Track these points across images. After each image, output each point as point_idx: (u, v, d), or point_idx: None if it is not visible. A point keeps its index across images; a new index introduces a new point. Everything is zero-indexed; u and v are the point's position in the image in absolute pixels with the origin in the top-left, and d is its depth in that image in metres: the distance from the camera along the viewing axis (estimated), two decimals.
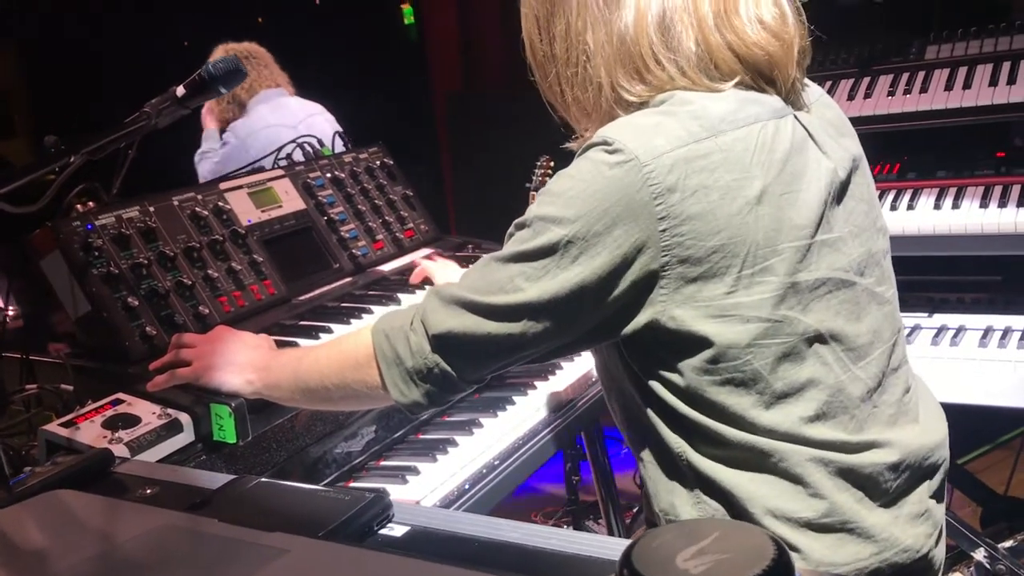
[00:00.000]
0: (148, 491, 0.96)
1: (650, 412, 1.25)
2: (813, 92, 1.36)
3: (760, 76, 1.23)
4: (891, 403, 1.29)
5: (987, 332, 2.24)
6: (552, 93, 1.33)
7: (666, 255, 1.14)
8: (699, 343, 1.17)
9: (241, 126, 3.65)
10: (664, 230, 1.13)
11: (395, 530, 0.85)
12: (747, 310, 1.16)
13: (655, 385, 1.23)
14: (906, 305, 2.40)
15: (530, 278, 1.18)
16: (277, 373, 1.52)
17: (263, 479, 0.94)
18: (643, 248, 1.14)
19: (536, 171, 3.95)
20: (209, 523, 0.79)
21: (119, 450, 1.45)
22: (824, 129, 1.29)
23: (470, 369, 1.26)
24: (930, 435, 1.34)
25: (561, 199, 1.17)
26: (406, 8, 8.14)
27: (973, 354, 2.18)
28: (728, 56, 1.20)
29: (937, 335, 2.29)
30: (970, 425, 2.25)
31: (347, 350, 1.38)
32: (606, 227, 1.14)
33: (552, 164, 3.85)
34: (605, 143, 1.15)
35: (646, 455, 1.30)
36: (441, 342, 1.24)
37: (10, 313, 2.23)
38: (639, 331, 1.19)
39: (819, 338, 1.20)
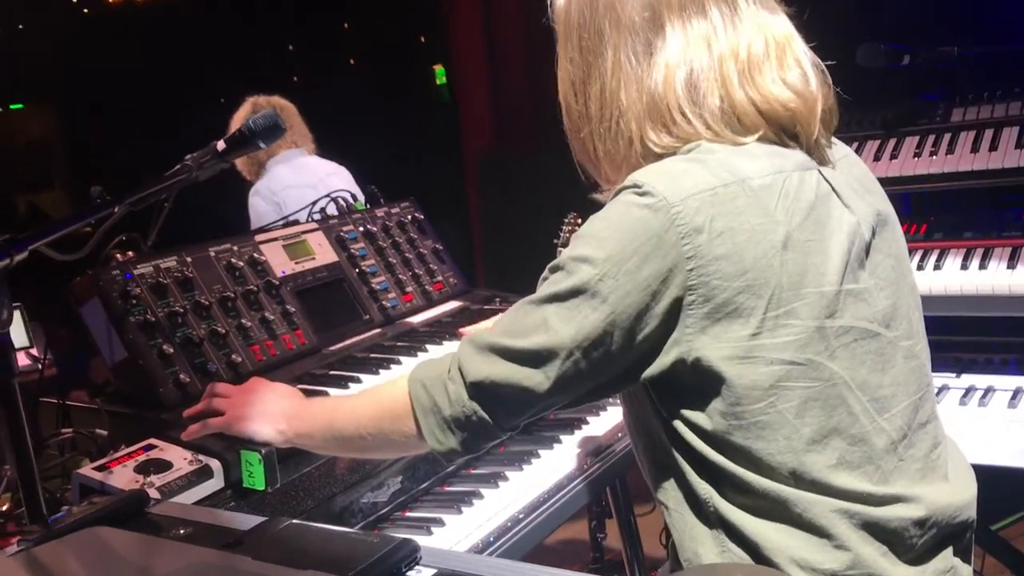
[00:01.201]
0: (182, 531, 0.98)
1: (678, 457, 1.27)
2: (840, 150, 1.40)
3: (783, 131, 1.28)
4: (918, 458, 1.30)
5: (1016, 393, 2.23)
6: (584, 150, 1.38)
7: (693, 294, 1.17)
8: (724, 384, 1.19)
9: (263, 187, 3.75)
10: (691, 269, 1.17)
11: (422, 573, 0.86)
12: (771, 352, 1.18)
13: (682, 429, 1.25)
14: (934, 365, 2.40)
15: (563, 318, 1.21)
16: (309, 423, 1.55)
17: (294, 521, 0.96)
18: (671, 286, 1.18)
19: (564, 227, 4.00)
20: (243, 560, 0.81)
21: (150, 494, 1.48)
22: (849, 185, 1.33)
23: (506, 415, 1.29)
24: (959, 494, 1.34)
25: (594, 240, 1.21)
26: (438, 69, 8.32)
27: (1002, 415, 2.17)
28: (752, 111, 1.25)
29: (965, 395, 2.29)
30: (1004, 490, 2.22)
31: (384, 401, 1.41)
32: (636, 266, 1.17)
33: (579, 221, 3.90)
34: (636, 186, 1.20)
35: (673, 502, 1.31)
36: (479, 389, 1.27)
37: (34, 353, 2.28)
38: (667, 371, 1.22)
39: (845, 385, 1.22)
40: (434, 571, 0.86)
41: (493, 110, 5.89)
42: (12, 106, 10.33)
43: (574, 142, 1.40)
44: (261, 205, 3.74)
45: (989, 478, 1.95)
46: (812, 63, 1.31)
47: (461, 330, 2.08)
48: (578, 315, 1.20)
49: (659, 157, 1.27)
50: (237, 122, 3.93)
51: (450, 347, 2.05)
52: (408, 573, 0.87)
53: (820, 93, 1.29)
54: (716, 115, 1.25)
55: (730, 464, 1.22)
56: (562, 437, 2.03)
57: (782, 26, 1.32)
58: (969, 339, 2.46)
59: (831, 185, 1.29)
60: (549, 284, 1.25)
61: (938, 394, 2.30)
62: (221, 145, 1.74)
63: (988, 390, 2.29)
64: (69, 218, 1.31)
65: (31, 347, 2.26)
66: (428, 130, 7.16)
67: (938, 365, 2.41)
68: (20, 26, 9.36)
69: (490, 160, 5.78)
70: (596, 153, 1.35)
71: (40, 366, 1.93)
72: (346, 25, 9.70)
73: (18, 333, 4.07)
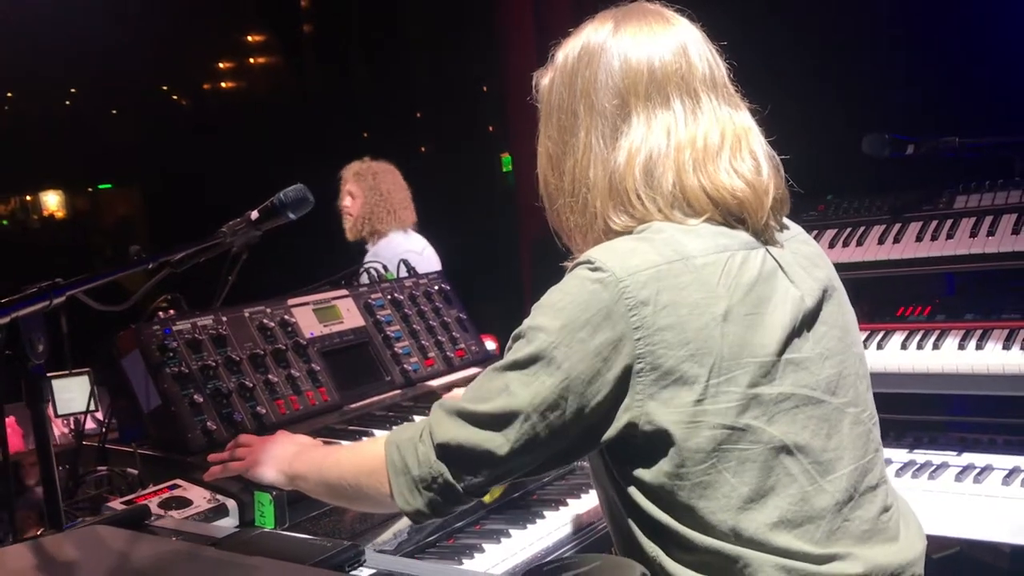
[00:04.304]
0: (173, 538, 1.12)
1: (629, 520, 1.36)
2: (792, 231, 1.51)
3: (730, 215, 1.39)
4: (867, 519, 1.36)
5: (1012, 472, 2.27)
6: (558, 220, 1.52)
7: (641, 362, 1.28)
8: (671, 447, 1.28)
9: (384, 250, 4.23)
10: (639, 339, 1.27)
11: (363, 572, 0.99)
12: (713, 417, 1.27)
13: (632, 491, 1.34)
14: (935, 444, 2.45)
15: (522, 383, 1.32)
16: (305, 467, 1.67)
17: (265, 530, 1.10)
18: (621, 354, 1.28)
19: None
20: (207, 550, 0.95)
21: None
22: (796, 262, 1.43)
23: (470, 478, 1.36)
24: (905, 553, 1.40)
25: (550, 310, 1.33)
26: (505, 157, 8.58)
27: (995, 491, 2.20)
28: (702, 197, 1.37)
29: (962, 473, 2.32)
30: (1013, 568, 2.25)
31: (363, 456, 1.52)
32: (588, 335, 1.29)
33: None
34: (589, 262, 1.33)
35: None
36: (445, 451, 1.37)
37: (98, 416, 2.48)
38: (620, 434, 1.31)
39: (784, 449, 1.30)
40: (373, 571, 0.98)
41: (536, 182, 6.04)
42: (101, 186, 10.91)
43: (550, 212, 1.53)
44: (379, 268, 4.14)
45: (989, 553, 2.00)
46: (767, 155, 1.43)
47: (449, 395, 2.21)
48: (535, 381, 1.30)
49: (618, 234, 1.39)
50: (346, 182, 4.50)
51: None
52: (351, 572, 0.99)
53: (772, 183, 1.41)
54: (668, 199, 1.37)
55: (675, 523, 1.30)
56: (568, 500, 2.12)
57: (741, 120, 1.44)
58: (974, 419, 2.50)
59: (777, 262, 1.39)
60: (511, 352, 1.36)
61: (936, 470, 2.35)
62: (255, 215, 1.93)
63: (985, 468, 2.33)
64: (107, 271, 1.49)
65: (96, 411, 2.46)
66: (491, 214, 7.38)
67: (940, 444, 2.47)
68: (113, 111, 9.97)
69: (544, 247, 5.91)
70: (568, 224, 1.49)
71: (103, 429, 2.11)
72: (419, 114, 10.10)
73: (83, 398, 4.30)
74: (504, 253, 6.50)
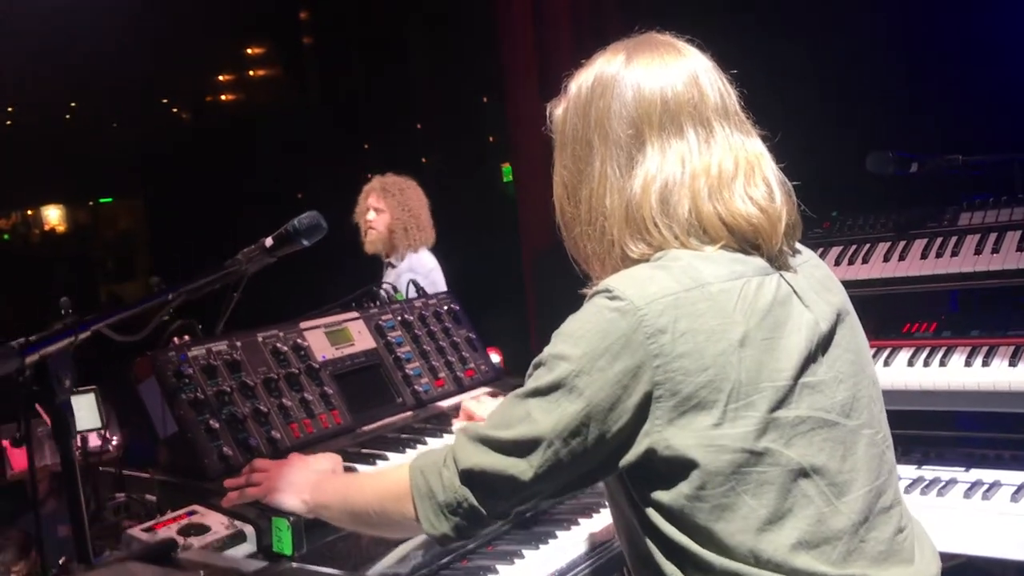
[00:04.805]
0: (201, 572, 1.14)
1: (648, 541, 1.38)
2: (803, 256, 1.53)
3: (745, 242, 1.41)
4: (882, 540, 1.38)
5: (1020, 488, 2.29)
6: (576, 247, 1.54)
7: (660, 388, 1.30)
8: (690, 470, 1.30)
9: (418, 264, 4.40)
10: (658, 366, 1.30)
11: None
12: (732, 441, 1.30)
13: (652, 513, 1.36)
14: (943, 460, 2.47)
15: (544, 411, 1.35)
16: (328, 495, 1.70)
17: (295, 565, 1.11)
18: (640, 381, 1.30)
19: None
20: None
21: None
22: (811, 286, 1.46)
23: (495, 502, 1.41)
24: (920, 574, 1.42)
25: (570, 339, 1.36)
26: (505, 167, 8.60)
27: (1004, 508, 2.23)
28: (717, 224, 1.40)
29: (971, 489, 2.34)
30: None
31: (388, 483, 1.55)
32: (608, 362, 1.31)
33: None
34: (607, 290, 1.35)
35: None
36: (469, 477, 1.40)
37: (114, 442, 2.50)
38: (640, 459, 1.33)
39: (801, 471, 1.32)
40: None
41: (552, 209, 6.00)
42: (101, 200, 10.94)
43: (567, 240, 1.56)
44: (419, 282, 4.23)
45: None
46: (779, 181, 1.45)
47: (456, 418, 2.23)
48: (557, 408, 1.33)
49: (635, 262, 1.42)
50: (369, 196, 4.58)
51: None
52: None
53: (785, 209, 1.44)
54: (684, 226, 1.40)
55: (695, 545, 1.32)
56: (580, 520, 2.12)
57: (754, 147, 1.47)
58: (982, 435, 2.52)
59: (792, 287, 1.42)
60: (532, 380, 1.39)
61: (944, 487, 2.37)
62: (269, 242, 1.95)
63: (994, 484, 2.34)
64: (129, 305, 1.51)
65: (103, 429, 2.48)
66: (497, 227, 7.40)
67: (948, 460, 2.49)
68: (114, 124, 10.00)
69: (547, 258, 5.91)
70: (585, 251, 1.51)
71: (109, 447, 2.13)
72: (419, 125, 10.13)
73: (91, 416, 4.33)
74: (506, 264, 6.51)
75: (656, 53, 1.48)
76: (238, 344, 2.15)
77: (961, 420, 2.50)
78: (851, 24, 3.58)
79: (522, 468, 1.36)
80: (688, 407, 1.30)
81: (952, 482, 2.40)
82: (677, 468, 1.31)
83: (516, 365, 2.69)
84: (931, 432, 2.55)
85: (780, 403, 1.32)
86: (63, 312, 4.01)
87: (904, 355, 2.52)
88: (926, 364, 2.44)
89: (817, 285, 1.48)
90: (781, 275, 1.42)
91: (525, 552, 2.02)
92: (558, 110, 1.57)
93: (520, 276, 6.21)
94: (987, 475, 2.39)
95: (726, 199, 1.40)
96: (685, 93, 1.44)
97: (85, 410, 4.29)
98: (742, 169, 1.43)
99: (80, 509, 1.30)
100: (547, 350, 1.39)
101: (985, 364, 2.35)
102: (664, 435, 1.31)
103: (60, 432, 1.31)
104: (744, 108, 1.51)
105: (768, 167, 1.46)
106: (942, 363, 2.41)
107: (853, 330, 1.50)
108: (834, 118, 3.37)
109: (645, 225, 1.41)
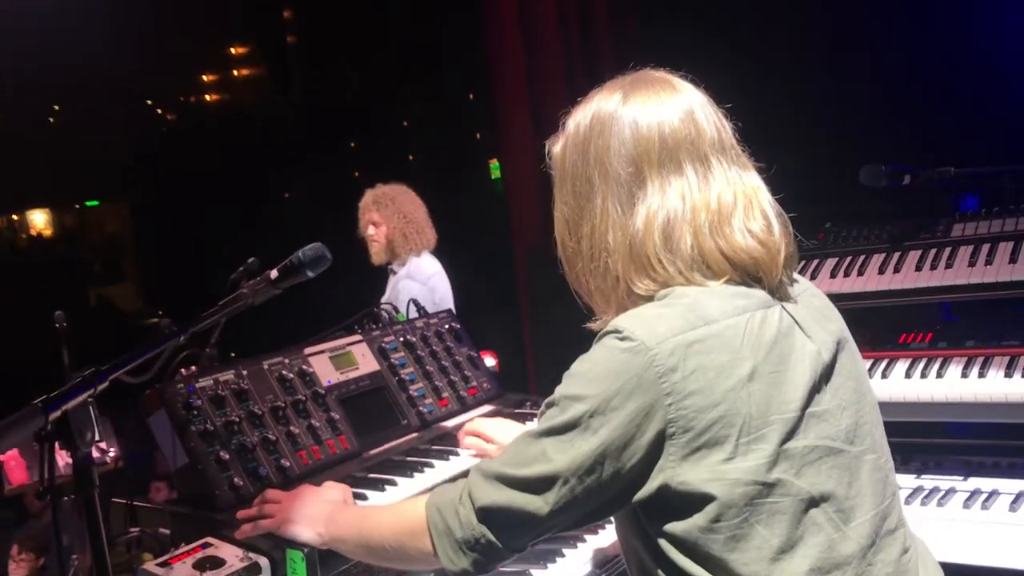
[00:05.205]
0: None
1: (659, 572, 1.41)
2: (801, 285, 1.57)
3: (747, 275, 1.44)
4: (888, 562, 1.42)
5: (1018, 497, 2.33)
6: (578, 282, 1.57)
7: (673, 426, 1.33)
8: (704, 503, 1.33)
9: (416, 272, 4.41)
10: (670, 404, 1.33)
11: None
12: (744, 474, 1.33)
13: (665, 545, 1.39)
14: (941, 468, 2.51)
15: (559, 450, 1.38)
16: (344, 529, 1.72)
17: None
18: (653, 419, 1.33)
19: None
20: None
21: None
22: (811, 315, 1.49)
23: (512, 537, 1.44)
24: None
25: (582, 379, 1.39)
26: (493, 163, 8.62)
27: (1003, 518, 2.26)
28: (719, 259, 1.43)
29: (969, 499, 2.38)
30: None
31: (404, 518, 1.58)
32: (621, 402, 1.34)
33: None
34: (617, 331, 1.38)
35: None
36: (486, 514, 1.43)
37: (111, 453, 2.51)
38: (653, 494, 1.36)
39: (811, 500, 1.36)
40: None
41: (543, 204, 5.96)
42: (88, 203, 10.89)
43: (569, 275, 1.58)
44: (416, 289, 4.28)
45: None
46: (776, 213, 1.48)
47: (459, 434, 2.26)
48: (572, 447, 1.36)
49: (641, 297, 1.45)
50: (365, 212, 4.60)
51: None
52: None
53: (783, 241, 1.47)
54: (687, 261, 1.42)
55: (707, 575, 1.35)
56: (586, 536, 2.16)
57: (751, 180, 1.50)
58: (979, 442, 2.56)
59: (793, 318, 1.45)
60: (545, 419, 1.41)
61: (944, 496, 2.41)
62: (274, 274, 1.96)
63: (992, 493, 2.38)
64: (143, 349, 1.53)
65: (99, 439, 2.49)
66: (485, 224, 7.41)
67: (945, 468, 2.52)
68: (99, 126, 9.94)
69: (539, 256, 5.90)
70: (588, 286, 1.54)
71: (107, 459, 2.15)
72: (406, 123, 10.13)
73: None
74: (497, 263, 6.51)
75: (652, 91, 1.50)
76: (244, 373, 2.17)
77: (958, 427, 2.54)
78: (847, 37, 3.62)
79: (538, 504, 1.39)
80: (701, 443, 1.33)
81: (951, 491, 2.43)
82: (692, 502, 1.34)
83: (510, 369, 2.71)
84: (928, 440, 2.59)
85: (790, 434, 1.36)
86: (57, 326, 4.03)
87: (901, 366, 2.55)
88: (923, 375, 2.47)
89: (816, 314, 1.51)
90: (783, 306, 1.45)
91: (533, 572, 2.05)
92: (556, 147, 1.59)
93: (513, 275, 6.21)
94: (985, 484, 2.43)
95: (727, 234, 1.43)
96: (682, 130, 1.46)
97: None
98: (740, 203, 1.45)
99: (105, 560, 1.32)
100: (559, 391, 1.42)
101: (981, 375, 2.38)
102: (678, 471, 1.34)
103: (83, 484, 1.32)
104: (740, 141, 1.54)
105: (765, 199, 1.49)
106: (939, 374, 2.45)
107: (853, 357, 1.53)
108: (826, 132, 3.40)
109: (649, 261, 1.44)
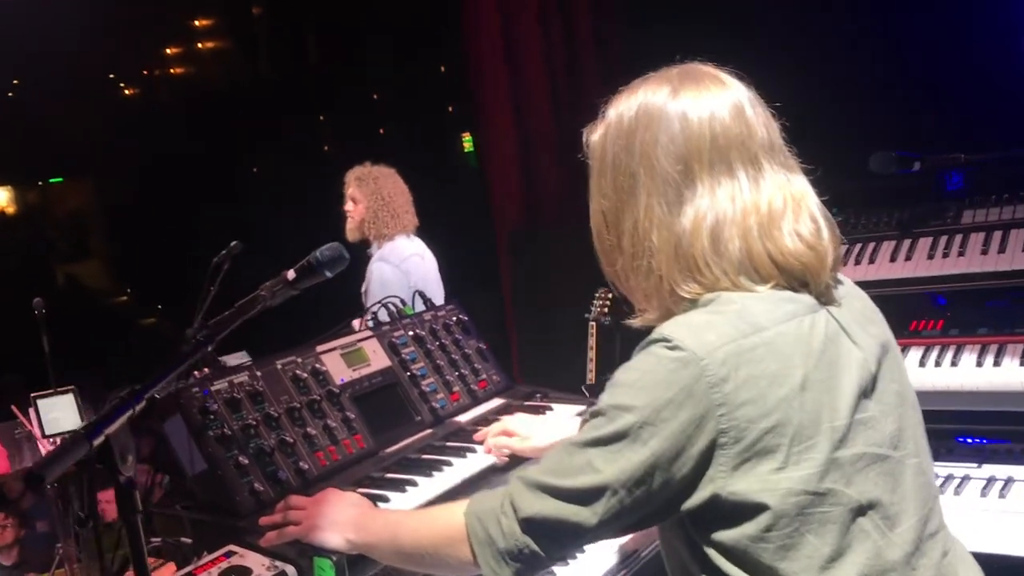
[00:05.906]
0: None
1: None
2: (845, 286, 1.55)
3: (794, 279, 1.42)
4: (930, 566, 1.42)
5: None
6: (617, 279, 1.53)
7: (724, 436, 1.31)
8: (756, 513, 1.32)
9: (390, 255, 4.36)
10: (722, 415, 1.30)
11: None
12: (796, 484, 1.31)
13: (712, 553, 1.37)
14: (954, 455, 2.52)
15: (607, 460, 1.35)
16: (376, 534, 1.69)
17: None
18: (704, 431, 1.31)
19: (595, 302, 4.15)
20: None
21: None
22: (854, 319, 1.47)
23: (556, 548, 1.42)
24: None
25: (632, 389, 1.35)
26: (466, 136, 8.55)
27: (1020, 507, 2.27)
28: (767, 263, 1.40)
29: (986, 487, 2.38)
30: None
31: (441, 526, 1.56)
32: (672, 413, 1.31)
33: (610, 296, 4.03)
34: (665, 340, 1.35)
35: None
36: (530, 524, 1.41)
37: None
38: (702, 504, 1.34)
39: (859, 508, 1.35)
40: None
41: (524, 184, 5.90)
42: (52, 180, 10.65)
43: (606, 268, 1.54)
44: (388, 271, 4.27)
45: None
46: (824, 217, 1.45)
47: (476, 436, 2.24)
48: (621, 458, 1.34)
49: (683, 300, 1.42)
50: (347, 187, 4.56)
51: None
52: None
53: (831, 245, 1.44)
54: (735, 265, 1.39)
55: None
56: None
57: (799, 183, 1.47)
58: (993, 428, 2.55)
59: (839, 323, 1.43)
60: (591, 428, 1.38)
61: (960, 484, 2.42)
62: (292, 275, 1.91)
63: (1008, 481, 2.39)
64: (173, 365, 1.48)
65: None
66: (459, 198, 7.33)
67: (959, 455, 2.53)
68: (59, 102, 9.69)
69: (521, 239, 5.84)
70: (629, 284, 1.51)
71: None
72: (376, 96, 9.98)
73: (70, 417, 4.22)
74: (476, 244, 6.44)
75: (702, 85, 1.46)
76: (258, 374, 2.13)
77: (970, 413, 2.54)
78: (854, 23, 3.59)
79: (585, 516, 1.37)
80: (752, 453, 1.31)
81: (966, 479, 2.44)
82: (743, 511, 1.33)
83: (494, 348, 2.68)
84: (939, 426, 2.58)
85: (839, 443, 1.34)
86: (36, 312, 3.92)
87: (915, 355, 2.55)
88: (937, 364, 2.48)
89: (860, 317, 1.50)
90: (828, 310, 1.43)
91: (555, 569, 2.03)
92: (595, 135, 1.54)
93: (495, 258, 6.12)
94: (1000, 471, 2.43)
95: (776, 238, 1.40)
96: (734, 128, 1.43)
97: (65, 411, 4.21)
98: (790, 207, 1.42)
99: None
100: (605, 400, 1.39)
101: (996, 364, 2.39)
102: (728, 481, 1.32)
103: (125, 509, 1.28)
104: (787, 142, 1.51)
105: (813, 203, 1.46)
106: (953, 363, 2.45)
107: (895, 360, 1.52)
108: (837, 119, 3.38)
109: (696, 263, 1.40)
